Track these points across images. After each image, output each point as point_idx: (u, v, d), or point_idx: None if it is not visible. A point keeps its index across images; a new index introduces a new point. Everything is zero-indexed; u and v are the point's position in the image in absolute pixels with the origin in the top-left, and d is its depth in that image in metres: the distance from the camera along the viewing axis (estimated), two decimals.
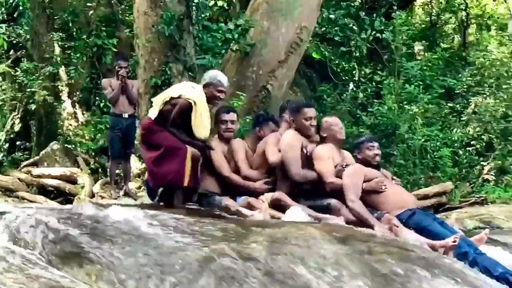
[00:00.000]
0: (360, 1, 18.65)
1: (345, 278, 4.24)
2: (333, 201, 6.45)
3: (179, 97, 6.66)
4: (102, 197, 10.91)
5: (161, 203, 6.90)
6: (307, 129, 6.93)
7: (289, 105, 7.47)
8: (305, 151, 6.83)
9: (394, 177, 7.18)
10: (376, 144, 6.78)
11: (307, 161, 6.81)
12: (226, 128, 7.21)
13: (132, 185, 11.01)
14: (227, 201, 6.74)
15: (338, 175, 6.53)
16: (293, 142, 6.86)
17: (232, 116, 7.26)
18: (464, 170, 14.50)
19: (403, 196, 6.53)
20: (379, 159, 6.80)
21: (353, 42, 16.64)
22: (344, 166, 6.57)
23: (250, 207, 6.50)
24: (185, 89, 6.82)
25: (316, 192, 6.69)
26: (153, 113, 6.79)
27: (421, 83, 15.04)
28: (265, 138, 7.18)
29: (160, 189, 7.00)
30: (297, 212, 6.25)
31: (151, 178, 6.97)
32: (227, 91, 7.32)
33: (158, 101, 6.82)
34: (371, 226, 5.86)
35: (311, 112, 6.96)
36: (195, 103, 6.60)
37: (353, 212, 6.15)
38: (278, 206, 6.53)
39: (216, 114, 7.32)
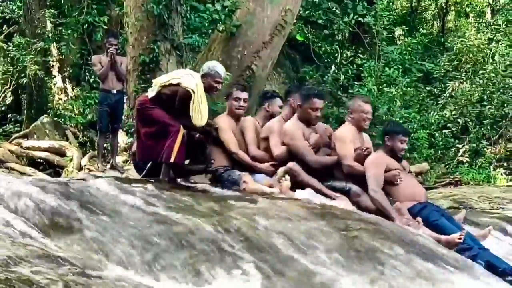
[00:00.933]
0: None
1: (321, 251, 4.50)
2: (354, 188, 6.45)
3: (177, 84, 6.80)
4: (90, 170, 11.03)
5: (148, 178, 6.97)
6: (311, 119, 6.90)
7: (300, 90, 7.34)
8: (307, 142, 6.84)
9: (411, 170, 7.11)
10: (407, 139, 6.73)
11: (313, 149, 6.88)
12: (239, 106, 7.28)
13: (119, 159, 11.11)
14: (245, 177, 6.74)
15: (357, 158, 6.52)
16: (295, 131, 6.83)
17: (245, 95, 7.39)
18: (440, 152, 14.94)
19: (415, 189, 6.54)
20: (403, 154, 6.74)
21: (336, 25, 16.59)
22: (363, 149, 6.52)
23: (270, 187, 6.53)
24: (184, 78, 6.93)
25: (331, 174, 6.72)
26: (151, 93, 6.95)
27: (400, 66, 15.39)
28: (268, 124, 7.17)
29: (149, 164, 7.15)
30: (305, 195, 6.32)
31: (144, 152, 7.06)
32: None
33: (158, 82, 6.98)
34: (391, 218, 5.92)
35: (319, 103, 6.86)
36: (193, 92, 6.72)
37: (374, 202, 6.19)
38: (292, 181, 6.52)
39: (228, 93, 7.48)
